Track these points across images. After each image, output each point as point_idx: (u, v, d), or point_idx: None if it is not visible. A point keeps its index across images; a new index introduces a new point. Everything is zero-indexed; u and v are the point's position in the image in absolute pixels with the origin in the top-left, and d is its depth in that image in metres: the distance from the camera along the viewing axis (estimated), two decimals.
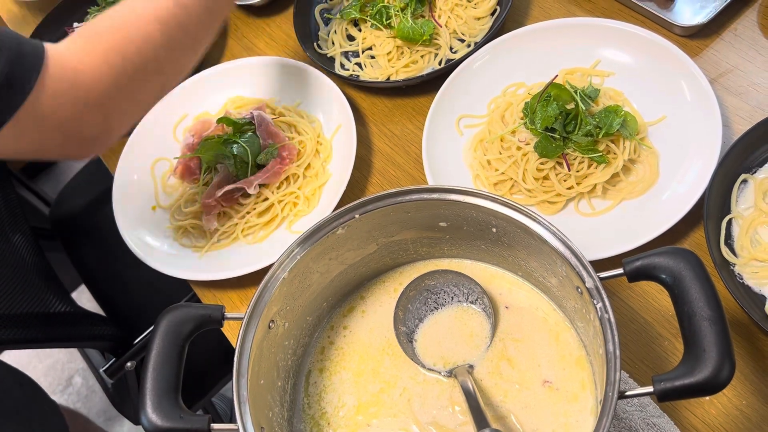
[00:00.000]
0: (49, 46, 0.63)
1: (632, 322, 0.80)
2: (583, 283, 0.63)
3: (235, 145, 0.96)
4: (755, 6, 0.98)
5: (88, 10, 1.32)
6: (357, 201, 0.73)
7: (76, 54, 0.62)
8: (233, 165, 0.95)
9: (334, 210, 0.92)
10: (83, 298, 1.82)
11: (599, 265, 0.78)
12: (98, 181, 1.57)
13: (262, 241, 0.95)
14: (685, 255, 0.61)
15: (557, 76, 0.92)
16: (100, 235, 1.51)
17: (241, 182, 0.95)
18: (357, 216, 0.74)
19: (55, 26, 1.32)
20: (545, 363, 0.73)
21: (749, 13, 0.98)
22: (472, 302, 0.79)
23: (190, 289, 1.00)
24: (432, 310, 0.80)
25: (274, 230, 0.95)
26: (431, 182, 0.92)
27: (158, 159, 1.08)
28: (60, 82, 0.60)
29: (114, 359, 1.24)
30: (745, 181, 0.83)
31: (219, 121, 1.00)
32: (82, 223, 1.56)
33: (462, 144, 0.97)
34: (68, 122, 0.62)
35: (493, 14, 1.07)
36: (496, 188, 0.91)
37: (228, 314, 0.70)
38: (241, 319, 0.68)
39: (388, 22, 1.04)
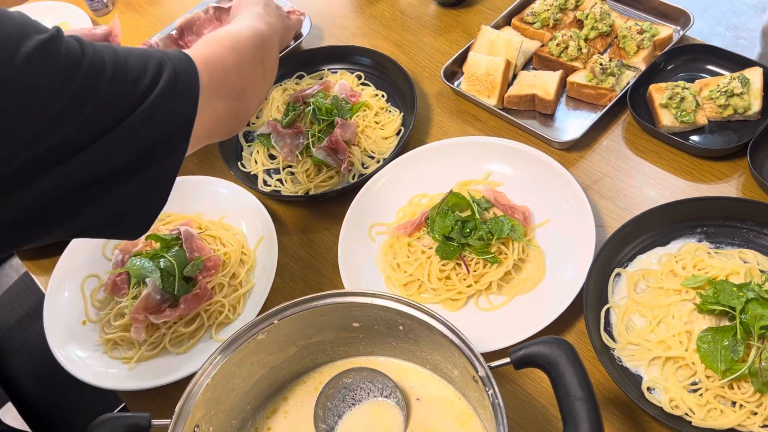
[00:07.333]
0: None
1: (529, 406, 0.88)
2: (477, 372, 0.72)
3: (162, 260, 1.03)
4: (620, 123, 1.14)
5: None
6: (275, 307, 0.81)
7: (202, 48, 0.84)
8: (160, 278, 1.01)
9: (256, 317, 0.99)
10: (8, 416, 1.77)
11: (496, 355, 0.87)
12: (28, 297, 1.59)
13: (188, 350, 1.00)
14: (560, 344, 0.71)
15: (451, 190, 1.03)
16: (29, 350, 1.52)
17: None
18: (276, 321, 0.81)
19: None
20: None
21: (615, 129, 1.14)
22: (386, 396, 0.86)
23: (121, 399, 1.03)
24: (350, 407, 0.86)
25: (200, 339, 1.01)
26: (347, 286, 1.01)
27: (88, 275, 1.12)
28: (206, 62, 0.80)
29: None
30: (618, 274, 0.95)
31: (147, 237, 1.07)
32: (11, 340, 1.57)
33: (374, 249, 1.06)
34: (229, 89, 0.83)
35: (398, 134, 1.20)
36: (406, 288, 1.01)
37: (155, 421, 0.75)
38: (167, 425, 0.73)
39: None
